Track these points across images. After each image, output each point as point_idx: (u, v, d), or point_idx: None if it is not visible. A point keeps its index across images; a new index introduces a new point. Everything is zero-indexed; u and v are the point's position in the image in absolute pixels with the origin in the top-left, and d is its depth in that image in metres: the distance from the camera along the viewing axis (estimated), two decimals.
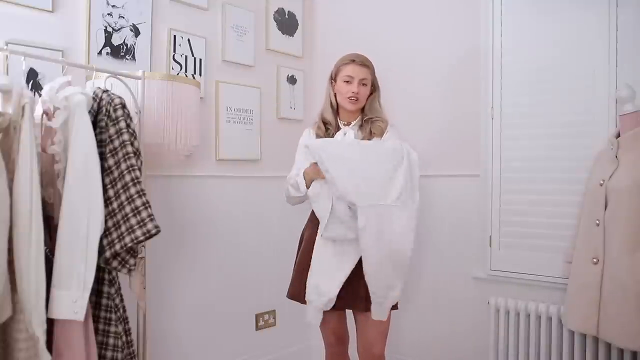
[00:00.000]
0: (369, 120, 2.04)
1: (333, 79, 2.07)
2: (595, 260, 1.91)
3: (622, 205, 1.86)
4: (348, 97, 2.01)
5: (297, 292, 2.02)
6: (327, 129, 2.08)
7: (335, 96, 2.06)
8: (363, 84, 2.01)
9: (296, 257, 2.11)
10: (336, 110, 2.09)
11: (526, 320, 2.29)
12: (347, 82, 2.00)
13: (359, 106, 2.04)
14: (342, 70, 2.03)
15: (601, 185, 1.94)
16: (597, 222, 1.93)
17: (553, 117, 2.29)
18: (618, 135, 1.98)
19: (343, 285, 1.91)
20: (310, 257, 1.98)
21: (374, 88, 2.08)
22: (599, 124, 2.16)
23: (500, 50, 2.43)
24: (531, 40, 2.36)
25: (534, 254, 2.32)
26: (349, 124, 2.07)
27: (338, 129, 2.08)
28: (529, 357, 2.28)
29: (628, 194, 1.84)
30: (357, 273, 1.90)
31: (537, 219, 2.32)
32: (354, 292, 1.92)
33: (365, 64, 2.02)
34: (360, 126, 2.06)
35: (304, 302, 2.00)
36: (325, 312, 1.97)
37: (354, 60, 2.01)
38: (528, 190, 2.36)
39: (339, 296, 1.91)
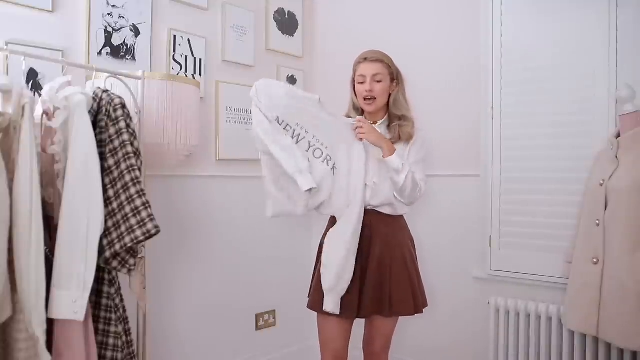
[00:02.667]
0: (397, 122, 1.95)
1: (353, 79, 2.01)
2: (595, 260, 1.91)
3: (622, 205, 1.86)
4: (363, 98, 1.94)
5: (317, 303, 1.93)
6: None
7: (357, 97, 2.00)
8: (377, 81, 1.91)
9: (315, 267, 2.02)
10: (360, 111, 2.02)
11: (526, 320, 2.29)
12: (361, 82, 1.94)
13: (376, 106, 1.95)
14: (356, 71, 1.97)
15: (601, 185, 1.93)
16: (597, 222, 1.92)
17: (553, 117, 2.30)
18: (618, 135, 1.98)
19: (368, 295, 1.88)
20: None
21: (398, 81, 1.98)
22: (599, 124, 2.16)
23: (500, 50, 2.44)
24: (531, 40, 2.36)
25: (534, 254, 2.32)
26: (374, 123, 1.99)
27: None
28: (529, 357, 2.29)
29: (628, 194, 1.84)
30: (379, 280, 1.89)
31: (537, 219, 2.32)
32: (379, 299, 1.89)
33: (378, 59, 1.93)
34: (388, 126, 1.97)
35: (322, 313, 1.93)
36: (328, 331, 1.94)
37: (365, 59, 1.94)
38: (528, 190, 2.36)
39: (363, 304, 1.88)
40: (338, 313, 1.86)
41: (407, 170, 1.85)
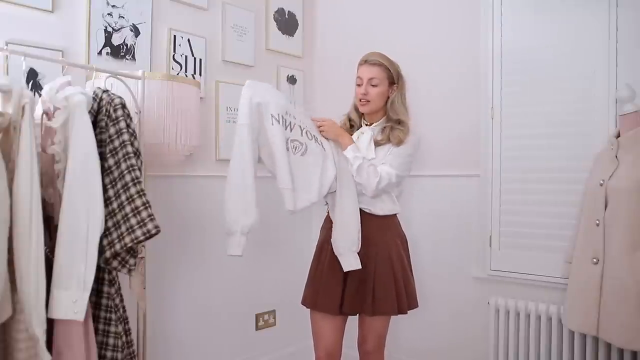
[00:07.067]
0: (391, 125, 1.98)
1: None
2: (595, 260, 1.91)
3: (622, 205, 1.86)
4: (359, 100, 1.98)
5: (308, 299, 2.01)
6: (352, 126, 2.08)
7: None
8: (373, 85, 1.94)
9: (312, 264, 2.08)
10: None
11: (526, 320, 2.29)
12: (359, 84, 1.97)
13: (370, 108, 1.98)
14: (357, 72, 2.00)
15: (601, 185, 1.93)
16: (597, 222, 1.92)
17: (553, 117, 2.30)
18: (618, 135, 1.98)
19: (351, 291, 1.91)
20: (320, 262, 1.99)
21: (398, 85, 1.99)
22: (599, 124, 2.16)
23: (500, 50, 2.43)
24: (531, 40, 2.36)
25: (534, 254, 2.32)
26: (371, 124, 2.03)
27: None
28: (529, 357, 2.29)
29: (628, 194, 1.84)
30: (363, 278, 1.90)
31: (537, 219, 2.32)
32: (362, 297, 1.91)
33: (377, 62, 1.95)
34: (383, 128, 1.99)
35: (314, 309, 2.00)
36: (319, 326, 1.98)
37: (366, 61, 1.97)
38: (528, 190, 2.36)
39: (347, 301, 1.91)
40: (360, 267, 1.88)
41: (359, 162, 1.90)
